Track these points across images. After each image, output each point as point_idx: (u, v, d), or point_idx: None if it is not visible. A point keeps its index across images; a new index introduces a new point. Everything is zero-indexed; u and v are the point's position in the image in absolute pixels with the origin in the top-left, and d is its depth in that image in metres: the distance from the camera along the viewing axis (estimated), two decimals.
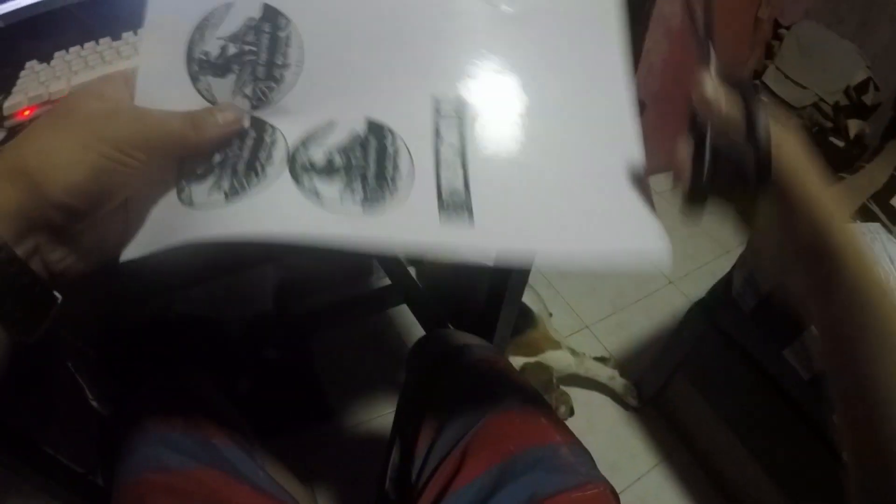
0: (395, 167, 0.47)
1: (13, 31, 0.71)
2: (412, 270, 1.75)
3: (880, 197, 1.55)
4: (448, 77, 0.50)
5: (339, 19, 0.49)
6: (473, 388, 0.76)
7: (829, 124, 2.41)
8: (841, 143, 2.34)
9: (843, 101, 2.37)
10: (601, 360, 1.71)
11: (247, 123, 0.46)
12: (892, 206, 1.52)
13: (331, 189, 0.45)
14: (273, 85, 0.47)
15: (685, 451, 1.57)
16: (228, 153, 0.45)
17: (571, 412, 1.54)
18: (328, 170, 0.46)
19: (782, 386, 1.31)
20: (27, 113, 0.63)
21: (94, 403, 1.13)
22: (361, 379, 1.64)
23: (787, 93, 2.48)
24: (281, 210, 0.43)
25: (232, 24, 0.47)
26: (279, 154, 0.45)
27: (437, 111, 0.49)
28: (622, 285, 2.00)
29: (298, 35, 0.48)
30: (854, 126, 2.32)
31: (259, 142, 0.46)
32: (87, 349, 1.17)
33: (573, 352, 1.64)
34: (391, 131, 0.48)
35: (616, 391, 1.66)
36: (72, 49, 0.69)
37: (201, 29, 0.46)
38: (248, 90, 0.46)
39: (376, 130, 0.48)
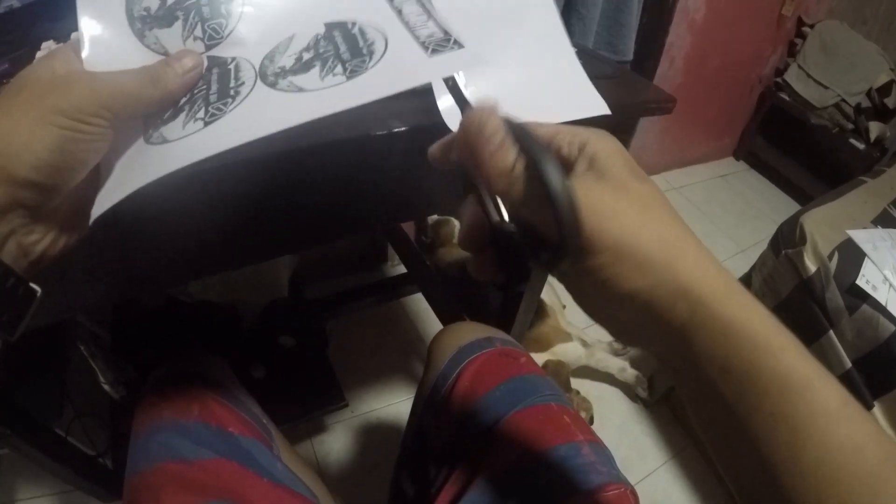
0: (367, 40, 0.45)
1: (29, 12, 0.71)
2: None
3: None
4: None
5: None
6: (498, 383, 0.75)
7: (849, 126, 2.39)
8: (861, 146, 2.33)
9: (865, 103, 2.35)
10: (615, 344, 1.72)
11: (206, 64, 0.44)
12: None
13: (310, 77, 0.42)
14: (222, 20, 0.45)
15: (695, 450, 1.57)
16: (195, 93, 0.43)
17: (591, 420, 1.52)
18: (301, 66, 0.43)
19: None
20: None
21: (107, 387, 1.13)
22: (375, 366, 1.64)
23: (808, 92, 2.46)
24: (265, 112, 0.41)
25: None
26: (248, 74, 0.43)
27: None
28: None
29: None
30: (875, 129, 2.30)
31: (224, 73, 0.44)
32: (102, 332, 1.18)
33: (584, 343, 1.64)
34: (353, 22, 0.46)
35: (627, 382, 1.66)
36: None
37: None
38: (198, 32, 0.44)
39: (338, 27, 0.46)
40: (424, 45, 0.43)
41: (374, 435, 1.48)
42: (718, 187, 2.78)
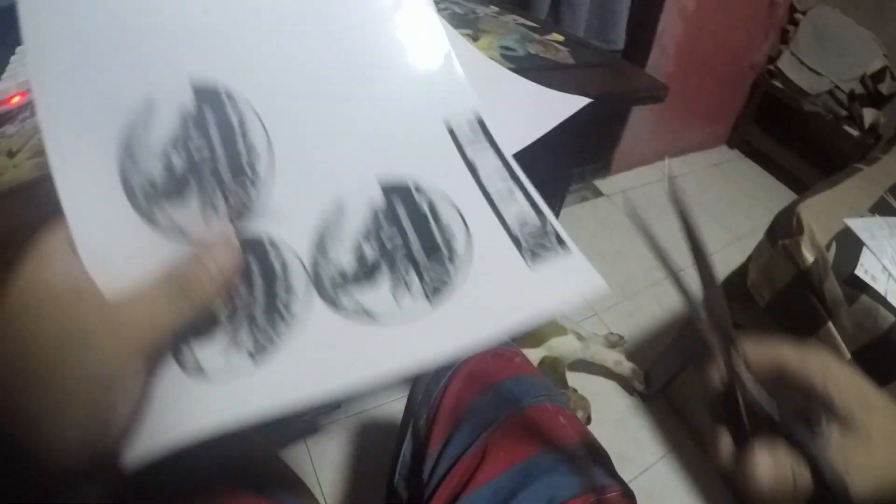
0: (441, 224, 0.36)
1: (3, 16, 0.69)
2: None
3: None
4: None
5: (289, 72, 0.38)
6: (492, 384, 0.73)
7: (843, 112, 2.37)
8: (855, 133, 2.31)
9: (859, 90, 2.34)
10: (611, 337, 1.71)
11: (240, 255, 0.34)
12: None
13: (379, 296, 0.35)
14: (248, 182, 0.36)
15: (693, 443, 1.55)
16: (234, 299, 0.34)
17: (589, 420, 1.48)
18: (365, 271, 0.35)
19: None
20: (16, 100, 0.58)
21: None
22: None
23: (801, 79, 2.44)
24: (330, 352, 0.33)
25: (165, 127, 0.35)
26: (299, 280, 0.35)
27: (454, 132, 0.40)
28: (631, 271, 1.98)
29: (252, 109, 0.37)
30: (869, 115, 2.29)
31: (268, 271, 0.35)
32: None
33: (579, 336, 1.62)
34: (418, 187, 0.37)
35: (623, 375, 1.64)
36: None
37: (128, 149, 0.34)
38: (218, 202, 0.35)
39: (397, 192, 0.37)
40: (518, 242, 0.36)
41: (368, 434, 1.45)
42: (712, 176, 2.76)
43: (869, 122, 2.29)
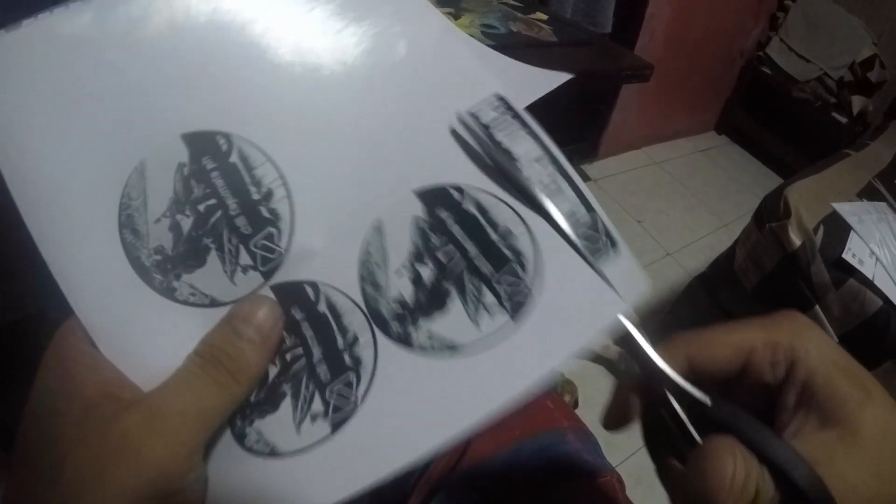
0: (499, 229, 0.30)
1: None
2: None
3: (886, 176, 1.53)
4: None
5: (283, 101, 0.33)
6: None
7: (832, 99, 2.38)
8: (844, 120, 2.32)
9: (848, 77, 2.34)
10: None
11: (280, 306, 0.30)
12: None
13: (455, 322, 0.29)
14: (272, 229, 0.31)
15: None
16: (287, 358, 0.29)
17: (576, 404, 1.47)
18: (429, 297, 0.30)
19: None
20: None
21: None
22: None
23: (790, 66, 2.44)
24: (417, 399, 0.28)
25: (162, 189, 0.30)
26: (354, 320, 0.29)
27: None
28: None
29: (254, 145, 0.32)
30: (858, 103, 2.29)
31: (315, 317, 0.30)
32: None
33: None
34: (458, 188, 0.32)
35: (610, 359, 1.63)
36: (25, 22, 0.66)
37: (129, 224, 0.30)
38: (244, 258, 0.30)
39: (438, 197, 0.32)
40: (571, 242, 0.30)
41: None
42: (700, 162, 2.76)
43: (858, 110, 2.30)
